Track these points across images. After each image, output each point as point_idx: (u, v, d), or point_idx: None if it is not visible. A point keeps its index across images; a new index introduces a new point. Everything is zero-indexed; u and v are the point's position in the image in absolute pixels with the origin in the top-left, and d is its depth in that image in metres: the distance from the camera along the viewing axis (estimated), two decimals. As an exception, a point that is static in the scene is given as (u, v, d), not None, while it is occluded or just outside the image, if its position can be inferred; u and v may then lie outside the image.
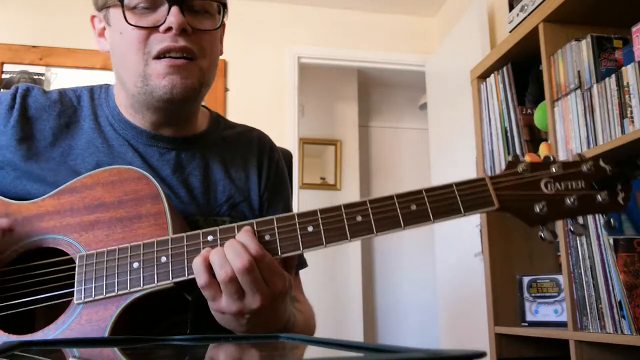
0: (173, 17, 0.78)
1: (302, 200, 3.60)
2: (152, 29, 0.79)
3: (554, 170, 0.71)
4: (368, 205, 0.69)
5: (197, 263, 0.66)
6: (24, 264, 0.75)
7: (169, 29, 0.78)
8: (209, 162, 0.91)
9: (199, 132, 0.93)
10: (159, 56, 0.79)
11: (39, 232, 0.75)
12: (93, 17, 0.88)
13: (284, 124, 3.45)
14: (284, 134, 3.39)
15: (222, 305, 0.67)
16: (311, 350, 0.54)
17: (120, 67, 0.84)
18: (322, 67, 3.84)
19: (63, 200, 0.76)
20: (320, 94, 4.43)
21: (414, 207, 0.69)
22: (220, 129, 0.97)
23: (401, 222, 0.69)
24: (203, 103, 0.97)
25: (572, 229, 0.72)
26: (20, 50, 3.25)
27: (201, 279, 0.66)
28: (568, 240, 1.60)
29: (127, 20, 0.79)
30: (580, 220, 0.72)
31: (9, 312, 0.72)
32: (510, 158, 0.73)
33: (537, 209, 0.70)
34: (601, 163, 0.71)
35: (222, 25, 0.87)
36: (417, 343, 4.33)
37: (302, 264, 1.00)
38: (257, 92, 3.44)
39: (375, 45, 3.68)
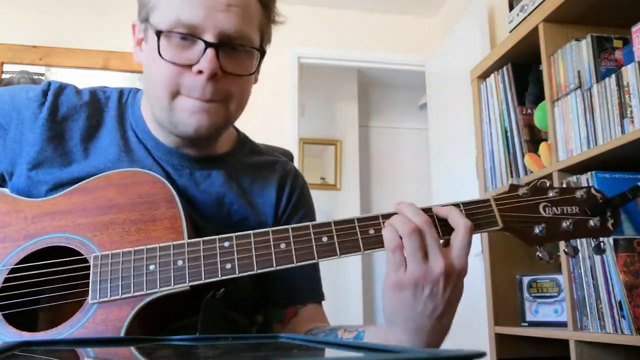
0: (207, 62, 0.75)
1: (302, 200, 3.60)
2: (185, 67, 0.77)
3: (551, 195, 0.76)
4: (380, 219, 0.71)
5: (387, 229, 0.68)
6: (36, 262, 0.74)
7: (200, 71, 0.76)
8: (225, 184, 0.89)
9: (221, 154, 0.91)
10: (187, 95, 0.78)
11: (50, 231, 0.74)
12: (134, 25, 0.85)
13: (284, 124, 3.45)
14: (284, 134, 3.39)
15: (406, 273, 0.66)
16: (311, 351, 0.54)
17: (150, 89, 0.82)
18: (322, 67, 3.84)
19: (75, 199, 0.75)
20: (320, 94, 4.43)
21: None
22: (244, 153, 0.95)
23: None
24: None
25: (565, 250, 0.77)
26: (20, 50, 3.25)
27: (392, 243, 0.67)
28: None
29: (160, 54, 0.76)
30: (573, 242, 0.77)
31: (21, 309, 0.72)
32: (511, 181, 0.77)
33: (537, 231, 0.74)
34: (592, 191, 0.76)
35: (257, 71, 0.85)
36: (417, 343, 4.32)
37: (320, 296, 0.95)
38: (257, 92, 3.43)
39: (375, 45, 3.68)
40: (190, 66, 0.76)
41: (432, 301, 0.67)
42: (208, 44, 0.75)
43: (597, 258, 1.48)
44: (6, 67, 3.24)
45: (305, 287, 0.93)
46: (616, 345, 1.46)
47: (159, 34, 0.76)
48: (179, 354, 0.54)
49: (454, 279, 0.68)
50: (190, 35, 0.76)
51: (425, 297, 0.67)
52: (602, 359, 1.51)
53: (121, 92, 0.91)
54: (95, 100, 0.88)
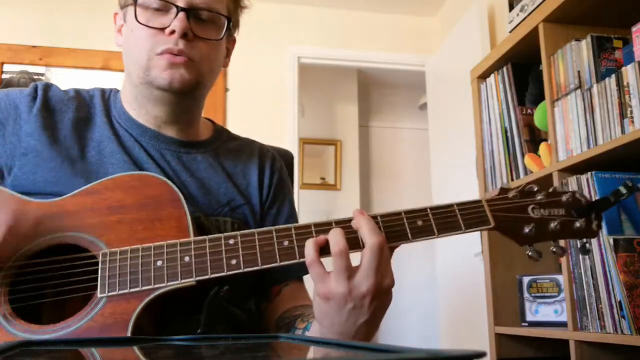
0: (178, 21, 0.85)
1: (302, 201, 3.60)
2: (159, 30, 0.86)
3: (539, 197, 0.80)
4: (379, 219, 0.74)
5: (309, 242, 0.70)
6: (45, 259, 0.76)
7: (172, 32, 0.86)
8: (210, 167, 0.95)
9: (202, 140, 0.98)
10: (161, 54, 0.86)
11: (59, 230, 0.76)
12: (116, 13, 0.96)
13: (284, 124, 3.45)
14: (284, 134, 3.39)
15: (331, 286, 0.68)
16: (312, 351, 0.54)
17: (128, 61, 0.91)
18: (322, 67, 3.84)
19: (84, 200, 0.79)
20: (320, 94, 4.43)
21: (420, 222, 0.75)
22: (223, 139, 1.02)
23: (409, 235, 0.74)
24: (206, 116, 1.03)
25: (553, 249, 0.79)
26: (20, 50, 3.25)
27: (308, 258, 0.70)
28: (568, 240, 1.59)
29: (137, 19, 0.87)
30: (560, 243, 0.80)
31: (30, 302, 0.74)
32: (502, 185, 0.82)
33: (527, 230, 0.77)
34: (577, 195, 0.81)
35: (231, 39, 0.98)
36: (417, 343, 4.33)
37: (301, 271, 0.98)
38: (257, 92, 3.44)
39: (375, 45, 3.68)
40: (163, 30, 0.86)
41: (355, 314, 0.69)
42: (179, 9, 0.86)
43: (597, 258, 1.48)
44: (6, 67, 3.24)
45: (286, 267, 0.95)
46: (616, 345, 1.46)
47: (135, 1, 0.87)
48: (179, 354, 0.54)
49: (381, 295, 0.69)
50: (163, 1, 0.86)
51: (348, 310, 0.69)
52: (602, 359, 1.51)
53: (103, 91, 0.99)
54: (81, 97, 0.96)
